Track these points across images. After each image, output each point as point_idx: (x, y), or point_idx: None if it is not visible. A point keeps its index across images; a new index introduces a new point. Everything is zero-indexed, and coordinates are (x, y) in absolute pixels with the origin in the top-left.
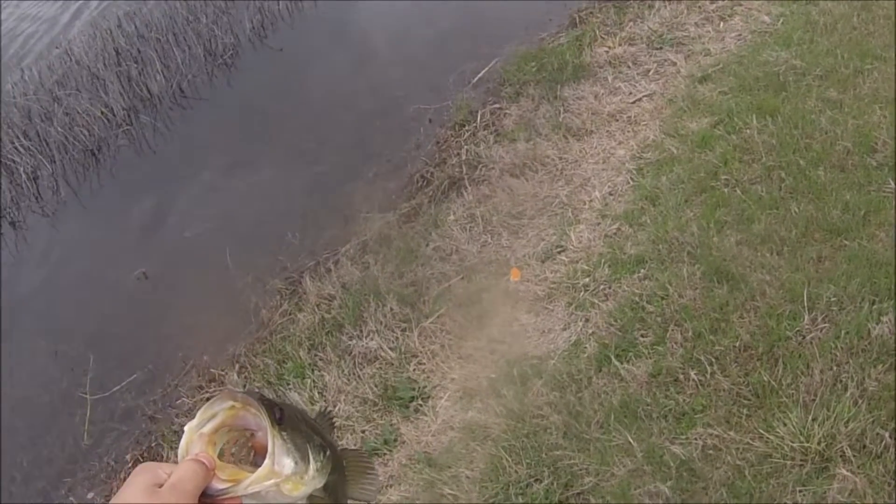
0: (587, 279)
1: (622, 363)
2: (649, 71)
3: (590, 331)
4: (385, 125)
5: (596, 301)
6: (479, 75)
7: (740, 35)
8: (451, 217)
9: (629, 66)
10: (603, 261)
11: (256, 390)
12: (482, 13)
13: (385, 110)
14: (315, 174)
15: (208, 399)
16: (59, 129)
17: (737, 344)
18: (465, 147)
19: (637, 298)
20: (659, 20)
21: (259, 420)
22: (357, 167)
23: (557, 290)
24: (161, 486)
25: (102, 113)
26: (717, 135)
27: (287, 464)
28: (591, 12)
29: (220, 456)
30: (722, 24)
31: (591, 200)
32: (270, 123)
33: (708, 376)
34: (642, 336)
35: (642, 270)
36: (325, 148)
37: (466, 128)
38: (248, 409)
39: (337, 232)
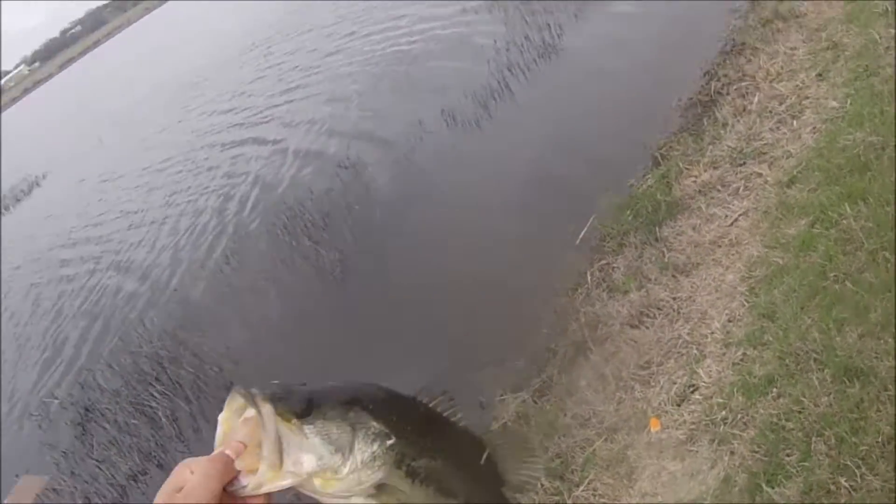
0: (724, 412)
1: (773, 488)
2: (738, 189)
3: (736, 463)
4: (503, 308)
5: (736, 432)
6: (581, 236)
7: (814, 128)
8: (583, 382)
9: (719, 190)
10: (735, 390)
11: (277, 383)
12: (568, 174)
13: (499, 294)
14: (444, 371)
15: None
16: (190, 369)
17: (879, 439)
18: (582, 310)
19: (775, 419)
20: (736, 136)
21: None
22: (485, 354)
23: (698, 430)
24: (181, 489)
25: (227, 349)
26: (816, 234)
27: (307, 461)
28: (670, 147)
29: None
30: (795, 121)
31: (712, 332)
32: (388, 336)
33: (858, 480)
34: (787, 455)
35: (774, 389)
36: (451, 344)
37: (579, 290)
38: (261, 409)
39: (475, 420)
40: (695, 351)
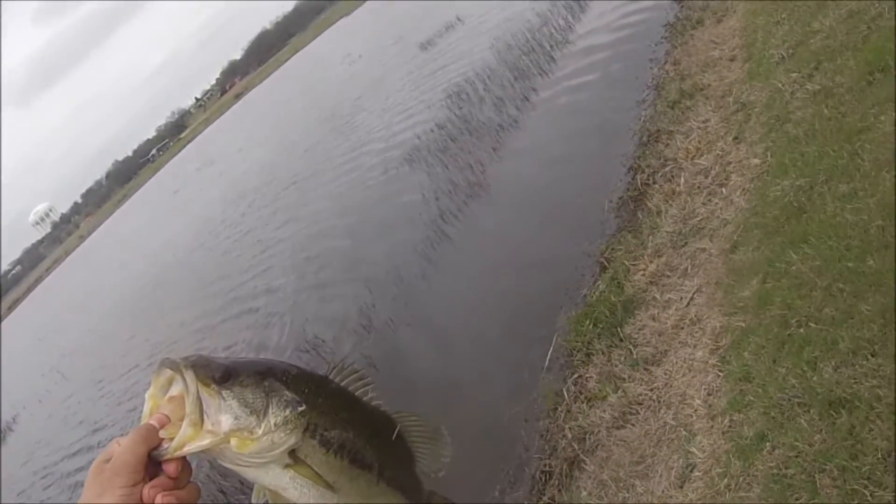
0: (725, 480)
1: None
2: (686, 269)
3: None
4: (487, 444)
5: (742, 494)
6: (548, 357)
7: (743, 189)
8: (584, 493)
9: (668, 275)
10: (731, 456)
11: (199, 354)
12: (521, 302)
13: (484, 432)
14: None
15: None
16: None
17: (879, 456)
18: (567, 426)
19: (776, 470)
20: (672, 220)
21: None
22: (482, 492)
23: None
24: (110, 459)
25: None
26: (769, 288)
27: (224, 421)
28: (612, 248)
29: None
30: (723, 189)
31: (695, 410)
32: None
33: (870, 498)
34: (797, 499)
35: (768, 444)
36: (444, 489)
37: (559, 409)
38: (184, 374)
39: None
40: (683, 432)
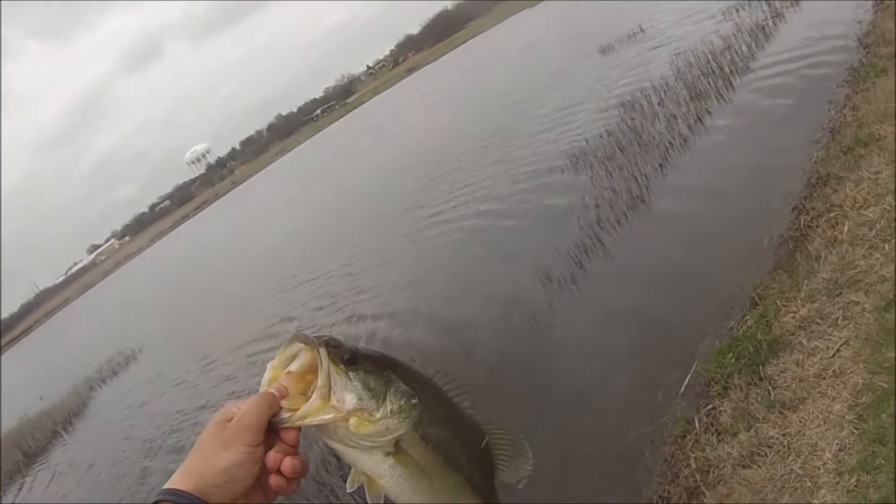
0: None
1: None
2: (837, 319)
3: None
4: (611, 459)
5: None
6: (685, 383)
7: None
8: None
9: (818, 323)
10: None
11: (330, 335)
12: (667, 323)
13: (607, 446)
14: None
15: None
16: None
17: None
18: (693, 455)
19: None
20: (829, 268)
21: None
22: None
23: None
24: (231, 419)
25: None
26: None
27: (349, 399)
28: (766, 286)
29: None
30: (886, 245)
31: (824, 463)
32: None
33: None
34: None
35: None
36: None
37: (688, 437)
38: (316, 352)
39: None
40: (808, 483)
